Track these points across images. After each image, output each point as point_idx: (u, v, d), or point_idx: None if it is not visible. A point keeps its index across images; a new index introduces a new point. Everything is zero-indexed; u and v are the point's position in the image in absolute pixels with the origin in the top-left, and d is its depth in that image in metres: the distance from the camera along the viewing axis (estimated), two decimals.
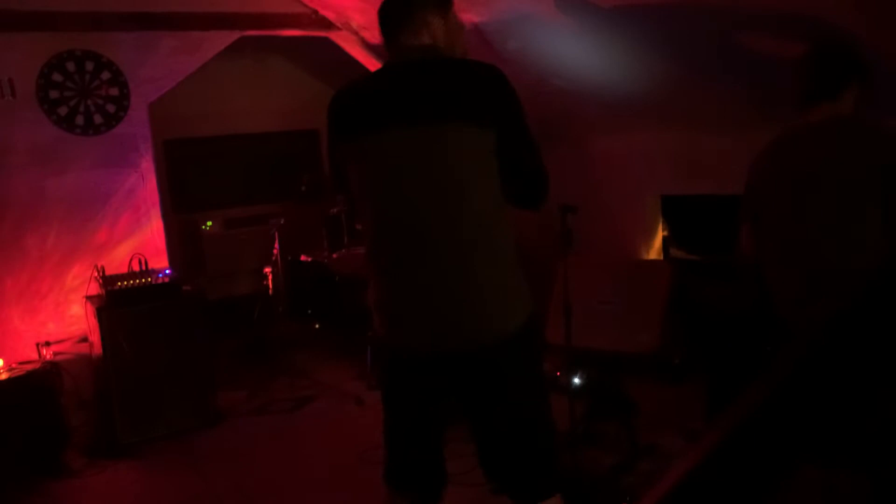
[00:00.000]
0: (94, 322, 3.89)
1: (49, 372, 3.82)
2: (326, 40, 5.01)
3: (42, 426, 3.70)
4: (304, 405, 4.36)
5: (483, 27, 3.97)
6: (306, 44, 5.20)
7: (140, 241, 4.42)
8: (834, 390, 0.90)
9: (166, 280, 4.02)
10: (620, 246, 4.70)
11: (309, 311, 5.87)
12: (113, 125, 4.32)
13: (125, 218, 4.38)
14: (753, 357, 2.71)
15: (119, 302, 3.87)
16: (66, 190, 4.20)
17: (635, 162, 4.59)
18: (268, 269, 4.97)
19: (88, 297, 4.05)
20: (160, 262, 4.39)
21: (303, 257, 5.57)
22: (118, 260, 4.25)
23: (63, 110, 4.17)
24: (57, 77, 4.14)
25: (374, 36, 4.79)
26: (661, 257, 4.59)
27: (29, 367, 3.77)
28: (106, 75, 4.27)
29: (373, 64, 5.07)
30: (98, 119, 4.27)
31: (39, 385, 3.73)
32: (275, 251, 4.88)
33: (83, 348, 4.17)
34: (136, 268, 4.04)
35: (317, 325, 5.81)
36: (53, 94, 4.14)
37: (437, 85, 1.83)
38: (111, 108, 4.31)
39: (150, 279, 3.99)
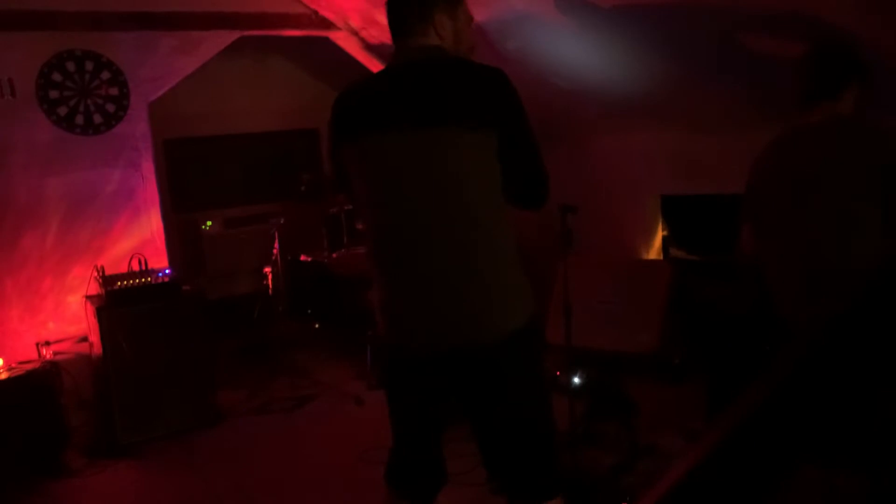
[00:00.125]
0: (94, 322, 3.89)
1: (49, 372, 3.81)
2: (326, 40, 5.01)
3: (42, 426, 3.70)
4: (303, 405, 4.36)
5: (483, 26, 3.97)
6: (306, 44, 5.20)
7: (140, 241, 4.42)
8: (834, 390, 0.90)
9: (166, 280, 4.02)
10: (620, 246, 4.70)
11: (309, 311, 5.87)
12: (113, 125, 4.32)
13: (125, 218, 4.38)
14: (753, 357, 2.71)
15: (119, 302, 3.86)
16: (66, 189, 4.20)
17: (635, 162, 4.59)
18: (268, 269, 4.97)
19: (88, 297, 4.05)
20: (160, 262, 4.39)
21: (303, 257, 5.57)
22: (118, 260, 4.25)
23: (63, 110, 4.17)
24: (57, 77, 4.14)
25: (374, 36, 4.79)
26: (661, 257, 4.59)
27: (29, 366, 3.77)
28: (106, 75, 4.27)
29: (373, 64, 5.07)
30: (98, 119, 4.27)
31: (39, 385, 3.73)
32: (275, 251, 4.88)
33: (83, 348, 4.17)
34: (135, 267, 4.04)
35: (317, 325, 5.81)
36: (53, 93, 4.14)
37: (440, 86, 1.82)
38: (111, 107, 4.31)
39: (149, 279, 3.98)
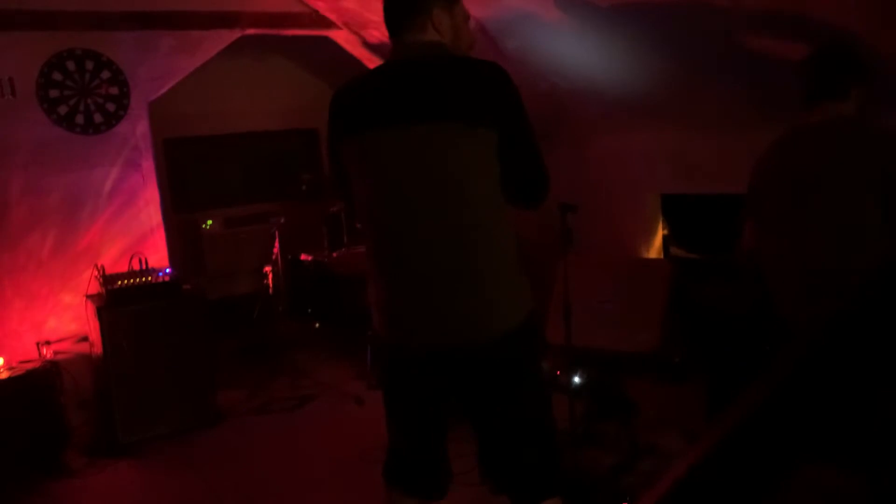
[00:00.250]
0: (94, 321, 3.89)
1: (49, 371, 3.81)
2: (326, 39, 5.01)
3: (42, 426, 3.70)
4: (304, 405, 4.36)
5: (483, 25, 3.97)
6: (306, 43, 5.20)
7: (140, 240, 4.41)
8: (834, 390, 0.90)
9: (166, 279, 4.02)
10: (620, 245, 4.70)
11: (309, 311, 5.88)
12: (113, 124, 4.31)
13: (125, 217, 4.38)
14: (753, 357, 2.71)
15: (119, 301, 3.86)
16: (66, 189, 4.20)
17: (635, 161, 4.59)
18: (268, 269, 4.97)
19: (88, 296, 4.05)
20: (160, 262, 4.39)
21: (303, 256, 5.57)
22: (118, 259, 4.25)
23: (63, 109, 4.17)
24: (57, 76, 4.14)
25: (374, 35, 4.79)
26: (661, 256, 4.58)
27: (29, 366, 3.77)
28: (106, 74, 4.27)
29: (373, 63, 5.07)
30: (98, 118, 4.27)
31: (39, 384, 3.73)
32: (275, 250, 4.88)
33: (83, 348, 4.17)
34: (136, 267, 4.04)
35: (317, 325, 5.81)
36: (53, 93, 4.13)
37: (439, 84, 1.81)
38: (111, 107, 4.31)
39: (150, 278, 3.98)
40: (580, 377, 3.66)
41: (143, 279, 3.96)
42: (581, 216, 3.23)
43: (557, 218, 3.17)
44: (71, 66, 4.17)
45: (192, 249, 6.04)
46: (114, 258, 4.27)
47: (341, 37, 5.00)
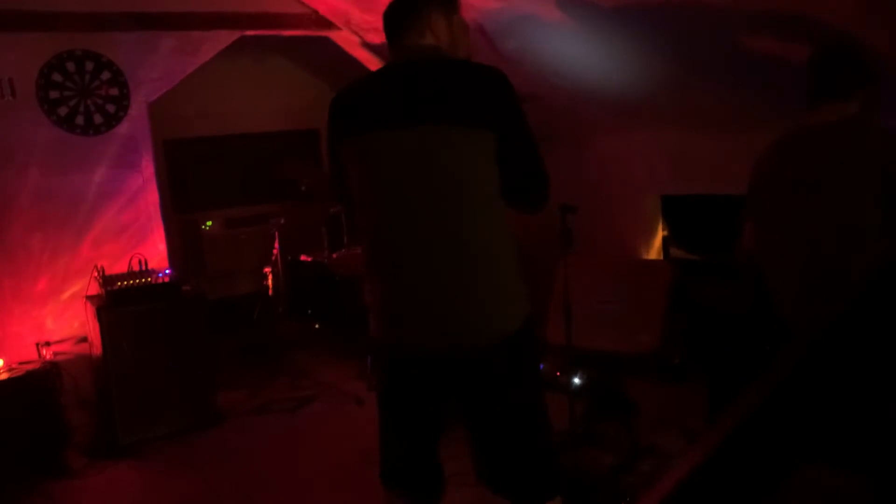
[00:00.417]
0: (94, 322, 3.89)
1: (49, 372, 3.81)
2: (326, 40, 5.01)
3: (42, 426, 3.70)
4: (304, 405, 4.36)
5: (483, 26, 3.97)
6: (306, 43, 5.20)
7: (140, 241, 4.41)
8: (834, 390, 0.90)
9: (166, 280, 4.02)
10: (620, 246, 4.70)
11: (309, 311, 5.88)
12: (113, 125, 4.31)
13: (125, 218, 4.38)
14: (753, 357, 2.71)
15: (119, 302, 3.86)
16: (66, 190, 4.19)
17: (635, 162, 4.59)
18: (268, 269, 4.97)
19: (88, 297, 4.05)
20: (160, 262, 4.39)
21: (303, 257, 5.57)
22: (118, 260, 4.25)
23: (63, 110, 4.17)
24: (57, 77, 4.14)
25: (374, 36, 4.79)
26: (661, 257, 4.59)
27: (29, 367, 3.77)
28: (106, 75, 4.27)
29: (373, 64, 5.07)
30: (98, 119, 4.27)
31: (39, 385, 3.73)
32: (275, 251, 4.88)
33: (83, 348, 4.17)
34: (135, 268, 4.04)
35: (317, 325, 5.81)
36: (53, 94, 4.13)
37: (438, 86, 1.81)
38: (111, 108, 4.31)
39: (149, 279, 3.99)
40: (580, 377, 3.66)
41: (143, 280, 3.96)
42: (581, 217, 3.23)
43: (557, 218, 3.17)
44: (71, 66, 4.17)
45: (192, 250, 6.04)
46: (114, 259, 4.26)
47: (341, 37, 5.00)
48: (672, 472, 0.90)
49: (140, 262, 4.07)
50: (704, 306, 3.96)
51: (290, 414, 4.27)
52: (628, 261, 4.58)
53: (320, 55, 5.72)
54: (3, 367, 3.71)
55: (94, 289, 4.03)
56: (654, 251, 4.62)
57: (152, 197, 4.47)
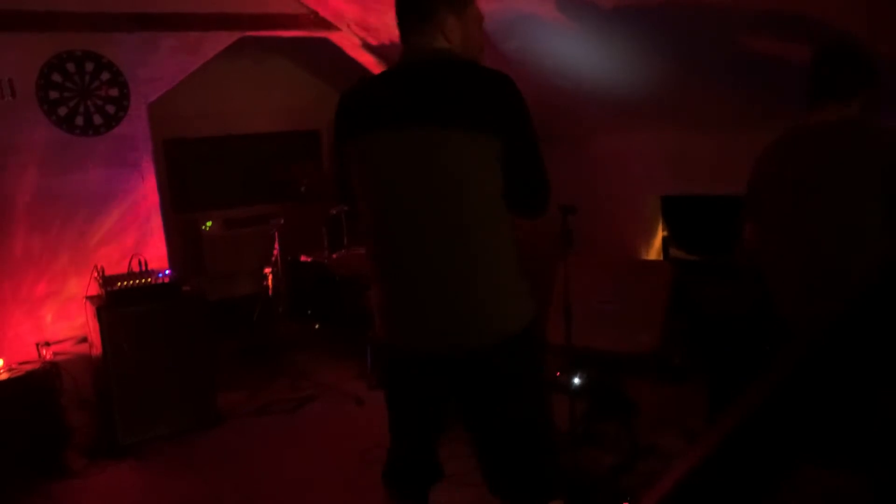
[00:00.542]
0: (94, 322, 3.89)
1: (49, 372, 3.81)
2: (326, 41, 5.01)
3: (42, 426, 3.70)
4: (304, 406, 4.36)
5: (483, 26, 3.97)
6: (307, 44, 5.20)
7: (140, 241, 4.41)
8: (834, 390, 0.90)
9: (166, 280, 4.02)
10: (620, 246, 4.70)
11: (309, 312, 5.87)
12: (113, 126, 4.31)
13: (125, 218, 4.38)
14: (753, 357, 2.71)
15: (119, 302, 3.86)
16: (66, 190, 4.19)
17: (635, 162, 4.59)
18: (268, 270, 4.97)
19: (88, 298, 4.05)
20: (160, 263, 4.39)
21: (303, 258, 5.57)
22: (118, 260, 4.25)
23: (63, 111, 4.17)
24: (57, 77, 4.14)
25: (375, 37, 4.79)
26: (661, 257, 4.58)
27: (29, 367, 3.77)
28: (106, 76, 4.27)
29: (373, 65, 5.07)
30: (98, 119, 4.27)
31: (39, 385, 3.73)
32: (275, 251, 4.88)
33: (83, 348, 4.17)
34: (135, 268, 4.04)
35: (317, 326, 5.81)
36: (53, 94, 4.13)
37: (443, 88, 1.81)
38: (111, 108, 4.31)
39: (149, 279, 3.99)
40: (580, 377, 3.66)
41: (143, 280, 3.97)
42: (581, 217, 3.23)
43: (558, 219, 3.18)
44: (71, 67, 4.17)
45: (191, 250, 6.04)
46: (113, 259, 4.26)
47: (341, 39, 5.00)
48: (672, 472, 0.90)
49: (140, 262, 4.07)
50: (704, 306, 3.96)
51: (290, 414, 4.27)
52: (628, 261, 4.58)
53: (320, 56, 5.72)
54: (3, 367, 3.71)
55: (94, 289, 4.03)
56: (654, 251, 4.62)
57: (152, 197, 4.47)
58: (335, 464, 3.52)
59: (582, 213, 3.22)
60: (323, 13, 4.81)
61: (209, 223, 6.13)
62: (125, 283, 3.91)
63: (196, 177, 6.30)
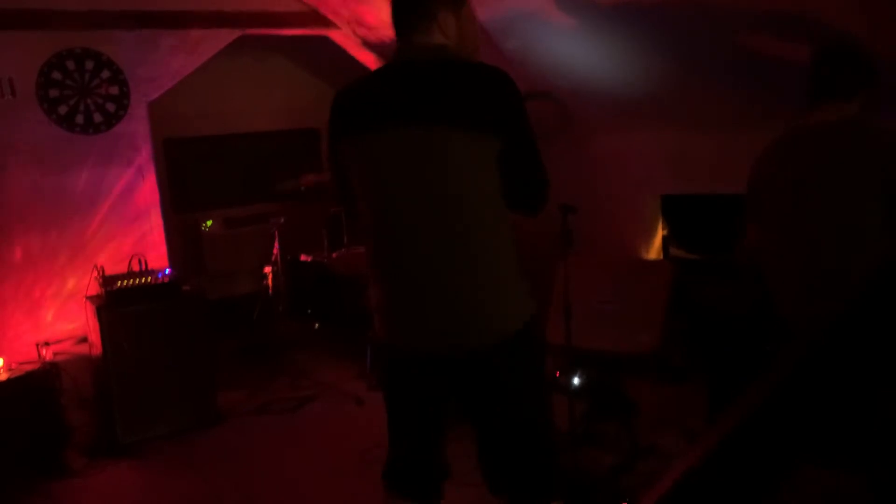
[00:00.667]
0: (94, 322, 3.89)
1: (49, 372, 3.81)
2: (326, 39, 5.01)
3: (42, 426, 3.70)
4: (304, 405, 4.36)
5: (483, 26, 3.97)
6: (306, 43, 5.20)
7: (140, 241, 4.41)
8: (834, 390, 0.90)
9: (166, 280, 4.02)
10: (620, 246, 4.70)
11: (309, 311, 5.88)
12: (113, 124, 4.31)
13: (125, 217, 4.38)
14: (753, 357, 2.71)
15: (119, 302, 3.86)
16: (66, 189, 4.19)
17: (635, 162, 4.59)
18: (268, 269, 4.97)
19: (88, 297, 4.05)
20: (160, 262, 4.39)
21: (303, 257, 5.57)
22: (118, 260, 4.25)
23: (63, 109, 4.17)
24: (57, 76, 4.13)
25: (374, 35, 4.79)
26: (661, 257, 4.58)
27: (29, 367, 3.77)
28: (106, 74, 4.27)
29: (373, 63, 5.07)
30: (98, 118, 4.27)
31: (39, 385, 3.73)
32: (275, 251, 4.88)
33: (83, 348, 4.17)
34: (135, 267, 4.04)
35: (317, 325, 5.81)
36: (53, 92, 4.13)
37: (440, 86, 1.80)
38: (111, 106, 4.31)
39: (149, 279, 3.99)
40: (580, 377, 3.66)
41: (143, 280, 3.97)
42: (581, 217, 3.23)
43: (558, 219, 3.17)
44: (71, 65, 4.17)
45: (191, 250, 6.04)
46: (113, 259, 4.26)
47: (341, 37, 5.00)
48: (672, 472, 0.90)
49: (140, 261, 4.07)
50: (704, 306, 3.96)
51: (290, 414, 4.27)
52: (628, 261, 4.58)
53: (320, 54, 5.72)
54: (3, 367, 3.71)
55: (94, 289, 4.03)
56: (654, 251, 4.62)
57: (152, 196, 4.47)
58: (335, 464, 3.52)
59: (582, 213, 3.22)
60: (323, 11, 4.81)
61: (209, 222, 6.14)
62: (125, 282, 3.91)
63: (196, 176, 6.30)
